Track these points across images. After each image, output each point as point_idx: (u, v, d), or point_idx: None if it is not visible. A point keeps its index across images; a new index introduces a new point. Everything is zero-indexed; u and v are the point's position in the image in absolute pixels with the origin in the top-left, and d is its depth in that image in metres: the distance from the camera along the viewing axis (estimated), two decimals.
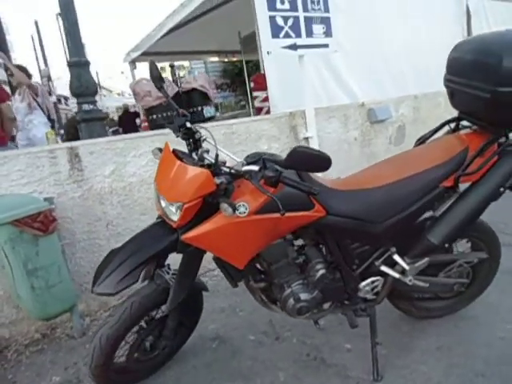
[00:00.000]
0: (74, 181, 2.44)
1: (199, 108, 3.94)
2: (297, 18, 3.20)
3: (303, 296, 1.60)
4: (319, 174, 1.53)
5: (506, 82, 1.37)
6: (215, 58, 9.65)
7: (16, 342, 2.26)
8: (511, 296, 2.10)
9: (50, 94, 9.58)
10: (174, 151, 1.44)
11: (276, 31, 3.08)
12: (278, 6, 3.08)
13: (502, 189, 1.53)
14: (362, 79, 4.25)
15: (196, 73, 3.93)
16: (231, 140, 3.05)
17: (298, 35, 3.22)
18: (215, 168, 1.38)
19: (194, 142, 1.49)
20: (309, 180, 1.51)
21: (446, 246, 1.57)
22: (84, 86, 3.22)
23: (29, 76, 4.00)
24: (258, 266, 1.65)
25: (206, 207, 1.40)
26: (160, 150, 1.53)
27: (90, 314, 2.48)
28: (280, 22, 3.10)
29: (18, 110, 4.00)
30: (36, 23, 16.05)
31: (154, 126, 3.75)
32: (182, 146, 1.57)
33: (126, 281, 1.37)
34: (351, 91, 4.18)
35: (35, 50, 17.40)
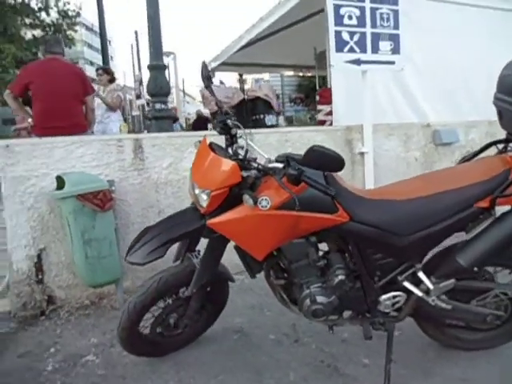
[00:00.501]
0: (135, 169, 2.71)
1: (261, 116, 4.11)
2: (363, 34, 3.22)
3: (320, 299, 1.62)
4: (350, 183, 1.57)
5: None
6: (290, 72, 9.86)
7: (69, 304, 2.56)
8: None
9: (139, 97, 10.56)
10: (211, 144, 1.58)
11: (340, 45, 3.14)
12: (346, 21, 3.14)
13: None
14: (435, 99, 4.10)
15: (262, 82, 4.14)
16: (284, 147, 3.15)
17: (364, 51, 3.23)
18: (244, 162, 1.49)
19: (231, 138, 1.62)
20: (335, 184, 1.54)
21: (476, 269, 1.49)
22: (158, 86, 3.56)
23: (112, 79, 4.56)
24: (281, 263, 1.71)
25: (234, 199, 1.51)
26: (200, 142, 1.68)
27: (134, 291, 2.71)
28: (346, 36, 3.15)
29: (100, 106, 4.60)
30: (136, 33, 17.74)
31: None
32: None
33: (153, 254, 1.53)
34: (421, 111, 4.06)
35: (133, 57, 19.25)
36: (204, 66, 1.70)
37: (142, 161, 2.73)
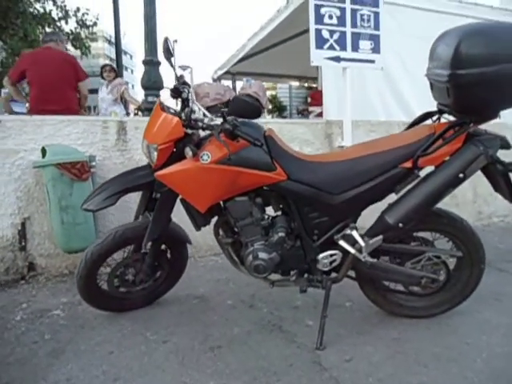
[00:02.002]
0: (118, 149, 2.90)
1: None
2: (343, 33, 3.38)
3: (261, 255, 1.74)
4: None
5: (462, 64, 1.41)
6: (296, 83, 10.09)
7: (48, 272, 2.72)
8: (506, 316, 1.95)
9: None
10: (162, 106, 1.75)
11: (320, 43, 3.31)
12: (326, 20, 3.32)
13: (461, 175, 1.52)
14: (425, 100, 4.20)
15: (252, 81, 4.30)
16: None
17: (343, 48, 3.39)
18: (190, 121, 1.65)
19: (183, 102, 1.78)
20: (274, 145, 1.68)
21: (400, 225, 1.58)
22: (152, 81, 3.78)
23: (116, 75, 4.79)
24: (229, 223, 1.84)
25: (180, 154, 1.66)
26: None
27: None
28: (326, 34, 3.32)
29: (104, 100, 4.79)
30: (168, 40, 18.39)
31: None
32: None
33: (105, 202, 1.69)
34: (410, 110, 4.17)
35: None
36: (166, 41, 1.88)
37: (125, 142, 2.92)
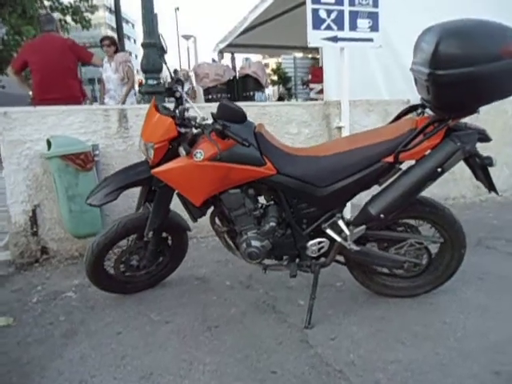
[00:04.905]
0: (120, 136, 3.00)
1: (251, 93, 4.31)
2: (341, 12, 3.34)
3: (254, 243, 1.87)
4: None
5: (441, 65, 1.46)
6: (300, 54, 9.90)
7: (60, 255, 2.90)
8: (485, 296, 2.08)
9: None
10: (157, 105, 1.83)
11: (317, 23, 3.28)
12: None
13: (439, 169, 1.60)
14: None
15: (251, 61, 4.30)
16: (262, 120, 3.32)
17: (341, 28, 3.36)
18: (183, 120, 1.74)
19: (176, 101, 1.86)
20: (264, 141, 1.77)
21: (382, 216, 1.69)
22: (151, 64, 3.81)
23: (117, 49, 4.56)
24: (224, 212, 1.96)
25: (176, 152, 1.76)
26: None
27: None
28: (323, 14, 3.29)
29: (110, 80, 4.55)
30: (155, 16, 17.95)
31: None
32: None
33: (107, 197, 1.82)
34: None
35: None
36: (158, 36, 1.93)
37: (127, 129, 3.02)
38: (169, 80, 1.98)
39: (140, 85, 5.01)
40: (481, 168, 1.68)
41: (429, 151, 1.66)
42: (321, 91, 4.79)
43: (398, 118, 1.89)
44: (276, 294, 2.21)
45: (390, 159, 1.67)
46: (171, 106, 1.96)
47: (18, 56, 3.42)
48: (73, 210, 2.55)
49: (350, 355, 1.63)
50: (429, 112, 1.75)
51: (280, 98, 8.56)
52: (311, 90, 4.99)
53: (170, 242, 2.22)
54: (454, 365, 1.55)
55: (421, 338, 1.73)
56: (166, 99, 3.84)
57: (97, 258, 1.99)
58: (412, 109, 1.86)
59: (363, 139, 1.76)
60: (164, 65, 1.96)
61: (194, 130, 1.74)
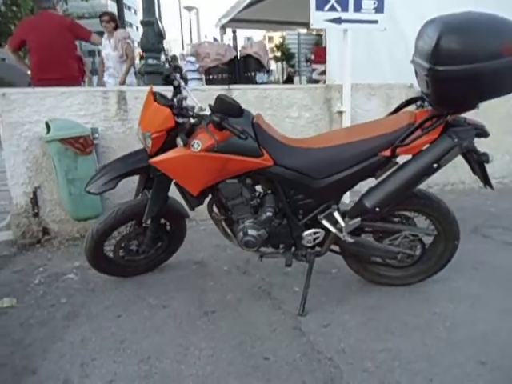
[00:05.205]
0: (119, 119, 2.99)
1: (253, 73, 4.25)
2: None
3: (250, 232, 1.90)
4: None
5: (441, 61, 1.44)
6: (304, 30, 9.66)
7: (61, 236, 2.95)
8: (478, 285, 2.12)
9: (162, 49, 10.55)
10: (155, 94, 1.82)
11: (321, 4, 3.20)
12: None
13: (435, 165, 1.61)
14: None
15: (253, 40, 4.20)
16: (262, 104, 3.32)
17: (345, 9, 3.28)
18: (181, 110, 1.73)
19: (174, 89, 1.85)
20: (262, 132, 1.77)
21: (377, 209, 1.71)
22: (150, 43, 3.74)
23: (117, 26, 4.38)
24: (222, 201, 1.98)
25: (174, 141, 1.76)
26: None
27: None
28: None
29: (110, 57, 4.40)
30: None
31: (210, 84, 4.17)
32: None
33: (106, 186, 1.84)
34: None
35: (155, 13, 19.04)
36: (155, 21, 1.90)
37: (126, 112, 3.00)
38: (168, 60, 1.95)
39: (142, 58, 4.83)
40: (477, 163, 1.68)
41: (426, 146, 1.66)
42: (323, 72, 4.71)
43: (398, 110, 1.88)
44: (272, 280, 2.25)
45: (387, 153, 1.67)
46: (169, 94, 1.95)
47: (15, 34, 3.36)
48: (72, 193, 2.57)
49: (340, 343, 1.69)
50: (428, 105, 1.74)
51: (289, 77, 8.37)
52: (313, 70, 4.91)
53: (168, 228, 2.25)
54: (440, 355, 1.61)
55: (410, 328, 1.78)
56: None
57: (96, 244, 2.03)
58: (412, 101, 1.85)
59: (361, 132, 1.76)
60: (162, 52, 1.93)
61: (192, 120, 1.74)
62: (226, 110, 1.53)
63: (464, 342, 1.68)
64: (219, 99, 1.52)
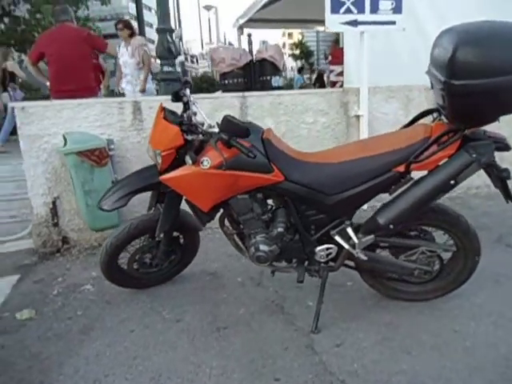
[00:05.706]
0: (134, 129, 3.02)
1: (268, 77, 4.21)
2: None
3: (262, 247, 1.87)
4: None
5: (458, 75, 1.37)
6: (322, 28, 9.54)
7: (80, 245, 3.01)
8: (500, 301, 2.03)
9: (179, 54, 10.71)
10: (164, 111, 1.82)
11: (336, 6, 3.13)
12: None
13: (452, 181, 1.54)
14: None
15: (268, 44, 4.13)
16: (277, 110, 3.29)
17: (361, 11, 3.20)
18: (188, 125, 1.72)
19: (184, 105, 1.84)
20: (272, 148, 1.74)
21: (391, 227, 1.65)
22: (166, 50, 3.76)
23: (133, 33, 4.49)
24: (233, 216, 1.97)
25: (183, 158, 1.76)
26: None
27: None
28: None
29: (127, 64, 4.50)
30: None
31: (225, 90, 4.16)
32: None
33: (117, 203, 1.86)
34: None
35: (174, 14, 19.28)
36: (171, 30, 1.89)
37: (141, 122, 3.03)
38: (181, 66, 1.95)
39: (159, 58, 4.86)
40: (498, 178, 1.60)
41: (443, 160, 1.59)
42: (341, 73, 4.63)
43: (413, 121, 1.81)
44: (285, 293, 2.23)
45: (402, 169, 1.61)
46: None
47: (34, 47, 3.45)
48: (89, 204, 2.62)
49: (354, 364, 1.65)
50: (444, 118, 1.66)
51: (319, 75, 8.24)
52: (331, 72, 4.82)
53: (181, 240, 2.26)
54: (459, 379, 1.54)
55: (428, 348, 1.72)
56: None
57: (110, 257, 2.05)
58: (427, 112, 1.77)
59: (374, 146, 1.70)
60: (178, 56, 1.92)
61: (201, 137, 1.73)
62: (233, 131, 1.51)
63: (485, 365, 1.61)
64: (226, 120, 1.50)
